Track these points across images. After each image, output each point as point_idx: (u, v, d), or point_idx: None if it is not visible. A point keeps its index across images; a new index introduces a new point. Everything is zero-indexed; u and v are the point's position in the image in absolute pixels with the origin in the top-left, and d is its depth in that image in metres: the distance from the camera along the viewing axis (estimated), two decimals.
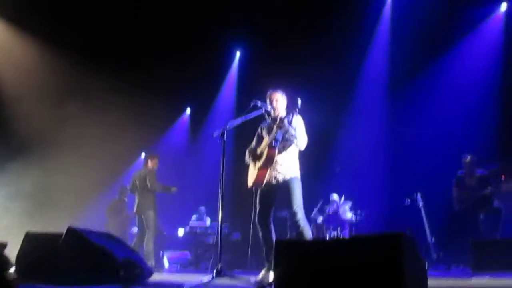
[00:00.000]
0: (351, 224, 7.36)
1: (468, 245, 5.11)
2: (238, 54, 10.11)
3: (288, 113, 4.00)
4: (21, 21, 8.15)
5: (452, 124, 6.89)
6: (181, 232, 8.71)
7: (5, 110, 8.44)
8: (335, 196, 7.59)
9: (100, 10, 8.06)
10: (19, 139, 8.35)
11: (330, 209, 7.52)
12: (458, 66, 7.39)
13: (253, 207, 4.19)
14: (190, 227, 8.28)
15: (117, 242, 3.98)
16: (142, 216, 6.77)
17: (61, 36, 8.23)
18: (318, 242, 3.91)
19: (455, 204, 6.29)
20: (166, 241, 8.71)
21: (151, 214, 6.75)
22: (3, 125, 8.31)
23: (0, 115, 8.37)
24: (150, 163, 6.99)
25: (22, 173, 7.95)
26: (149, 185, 6.77)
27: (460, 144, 6.60)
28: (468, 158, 6.22)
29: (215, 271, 3.54)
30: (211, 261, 6.20)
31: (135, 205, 6.92)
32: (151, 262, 6.38)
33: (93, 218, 8.53)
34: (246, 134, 4.84)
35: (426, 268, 2.73)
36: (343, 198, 7.52)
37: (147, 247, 6.60)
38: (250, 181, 4.21)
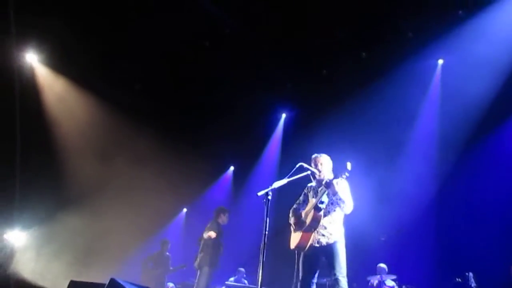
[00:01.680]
0: None
1: None
2: (283, 116, 10.33)
3: (335, 176, 3.98)
4: (82, 79, 8.77)
5: (507, 199, 6.53)
6: None
7: (60, 163, 8.92)
8: (382, 265, 7.19)
9: (149, 71, 8.59)
10: (70, 191, 8.73)
11: (374, 280, 7.11)
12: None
13: (296, 271, 4.10)
14: (227, 286, 8.06)
15: None
16: (199, 271, 6.60)
17: (114, 94, 8.79)
18: None
19: None
20: None
21: (206, 270, 6.54)
22: (57, 177, 8.74)
23: (55, 167, 8.84)
24: (222, 217, 6.88)
25: (73, 224, 8.23)
26: (204, 235, 6.60)
27: None
28: None
29: None
30: None
31: (197, 259, 6.75)
32: None
33: (136, 270, 8.58)
34: (289, 196, 4.84)
35: None
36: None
37: None
38: (293, 244, 4.15)
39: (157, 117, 9.35)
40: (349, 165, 3.82)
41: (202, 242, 6.76)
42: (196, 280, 6.59)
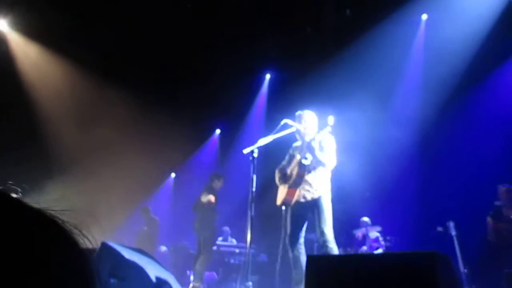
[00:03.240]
0: (379, 249, 7.19)
1: (502, 278, 4.88)
2: (268, 76, 10.25)
3: (318, 132, 4.01)
4: (55, 44, 8.47)
5: (488, 151, 6.71)
6: None
7: (39, 131, 8.77)
8: (365, 219, 7.45)
9: (129, 34, 8.33)
10: (51, 160, 8.63)
11: (359, 233, 7.38)
12: (494, 94, 7.23)
13: (283, 227, 4.18)
14: (217, 246, 8.25)
15: (149, 258, 4.05)
16: (200, 236, 6.61)
17: (92, 58, 8.53)
18: (351, 257, 3.84)
19: (490, 235, 6.07)
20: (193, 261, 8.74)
21: (208, 234, 6.55)
22: (36, 146, 8.59)
23: (34, 136, 8.68)
24: (216, 182, 6.84)
25: (60, 192, 8.18)
26: (205, 199, 6.57)
27: (496, 172, 6.41)
28: (505, 188, 6.03)
29: None
30: (238, 281, 6.16)
31: (195, 223, 6.74)
32: (198, 284, 6.27)
33: (124, 235, 8.68)
34: (277, 156, 4.88)
35: None
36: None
37: (199, 268, 6.38)
38: (279, 200, 4.22)
39: (138, 82, 9.17)
40: (330, 119, 3.84)
41: (199, 207, 6.72)
42: (198, 247, 6.61)
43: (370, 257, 3.33)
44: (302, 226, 4.15)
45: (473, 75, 7.31)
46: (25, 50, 8.49)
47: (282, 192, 4.24)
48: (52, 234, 0.48)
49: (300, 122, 4.24)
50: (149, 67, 9.04)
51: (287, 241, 4.12)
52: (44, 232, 0.47)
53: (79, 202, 8.44)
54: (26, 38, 8.39)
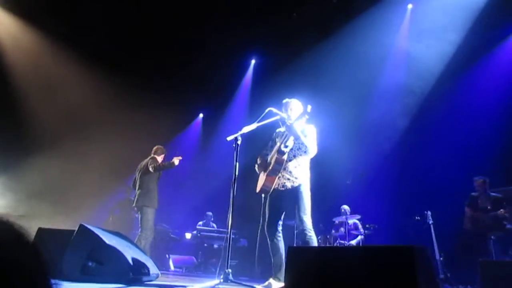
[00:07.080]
0: (359, 236, 7.32)
1: (477, 266, 5.03)
2: (253, 62, 10.19)
3: (296, 119, 3.96)
4: (30, 15, 8.21)
5: (465, 144, 6.85)
6: (188, 235, 8.76)
7: (15, 105, 8.50)
8: (345, 207, 7.55)
9: (114, 15, 8.10)
10: (29, 137, 8.39)
11: (338, 220, 7.47)
12: (473, 87, 7.33)
13: (262, 214, 4.18)
14: (198, 231, 8.26)
15: (127, 242, 4.02)
16: (139, 212, 6.08)
17: (72, 35, 8.31)
18: (331, 249, 3.88)
19: (467, 223, 6.24)
20: (173, 244, 8.75)
21: (147, 210, 5.98)
22: (14, 122, 8.33)
23: (11, 111, 8.43)
24: (157, 156, 6.40)
25: (39, 171, 8.00)
26: (150, 168, 6.10)
27: (472, 164, 6.56)
28: (481, 180, 6.19)
29: (222, 276, 3.54)
30: (218, 266, 6.11)
31: (134, 200, 6.20)
32: None
33: (103, 217, 8.61)
34: (260, 143, 4.86)
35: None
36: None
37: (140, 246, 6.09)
38: (259, 187, 4.19)
39: (122, 64, 8.96)
40: (309, 108, 3.81)
41: (142, 177, 6.22)
42: (140, 223, 6.03)
43: (349, 249, 3.39)
44: (281, 213, 4.11)
45: (457, 64, 7.39)
46: (5, 24, 8.25)
47: (261, 179, 4.19)
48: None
49: (286, 110, 4.18)
50: (132, 48, 8.85)
51: (265, 228, 4.10)
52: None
53: (59, 182, 8.30)
54: (7, 12, 8.15)
